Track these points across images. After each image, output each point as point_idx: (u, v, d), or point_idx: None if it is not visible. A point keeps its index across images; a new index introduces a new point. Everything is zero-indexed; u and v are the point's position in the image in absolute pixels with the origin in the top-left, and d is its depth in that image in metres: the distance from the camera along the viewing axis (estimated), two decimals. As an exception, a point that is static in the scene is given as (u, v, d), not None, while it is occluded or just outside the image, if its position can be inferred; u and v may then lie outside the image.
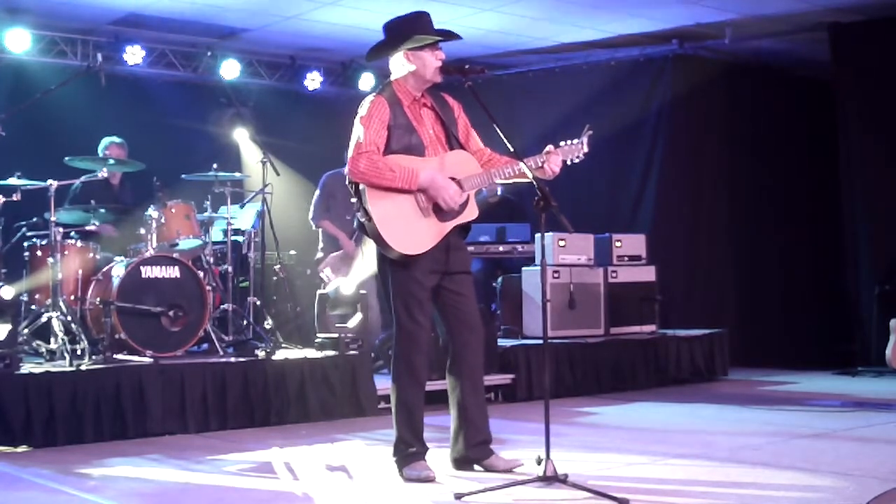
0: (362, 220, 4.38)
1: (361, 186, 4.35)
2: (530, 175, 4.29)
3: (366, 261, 6.13)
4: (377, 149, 4.34)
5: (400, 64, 4.49)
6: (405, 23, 4.49)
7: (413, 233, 4.34)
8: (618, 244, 8.59)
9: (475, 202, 4.55)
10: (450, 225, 4.42)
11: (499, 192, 8.84)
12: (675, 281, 9.36)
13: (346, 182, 4.48)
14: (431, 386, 4.84)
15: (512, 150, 4.33)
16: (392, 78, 4.55)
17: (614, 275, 8.43)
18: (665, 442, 5.43)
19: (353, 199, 4.42)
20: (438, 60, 4.44)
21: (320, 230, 8.08)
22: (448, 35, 4.48)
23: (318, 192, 8.08)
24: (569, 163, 4.52)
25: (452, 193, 4.37)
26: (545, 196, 4.11)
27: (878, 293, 8.95)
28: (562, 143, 4.52)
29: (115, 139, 7.76)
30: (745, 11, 8.84)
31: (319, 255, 8.06)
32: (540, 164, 4.42)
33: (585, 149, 4.53)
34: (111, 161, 7.07)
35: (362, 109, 4.42)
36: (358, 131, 4.38)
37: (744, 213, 10.25)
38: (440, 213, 4.40)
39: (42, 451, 5.32)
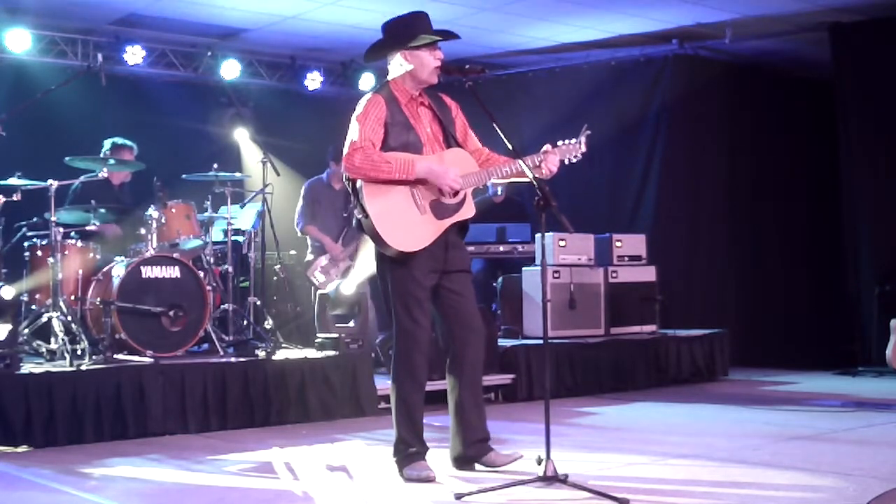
0: (359, 216, 4.39)
1: (359, 184, 4.35)
2: (529, 174, 4.28)
3: (365, 261, 6.14)
4: (372, 144, 4.33)
5: (398, 64, 4.49)
6: (403, 22, 4.49)
7: (410, 230, 4.34)
8: (618, 244, 8.59)
9: (473, 201, 4.55)
10: (447, 222, 4.42)
11: (499, 192, 8.85)
12: (675, 281, 9.35)
13: (344, 179, 4.49)
14: (431, 386, 4.84)
15: (512, 149, 4.33)
16: (389, 77, 4.55)
17: (614, 275, 8.42)
18: (665, 442, 5.42)
19: (352, 198, 4.43)
20: (437, 60, 4.44)
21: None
22: (446, 35, 4.48)
23: (301, 200, 8.20)
24: (566, 162, 4.52)
25: (453, 177, 4.36)
26: (545, 196, 4.11)
27: (878, 293, 8.95)
28: (559, 143, 4.52)
29: (127, 142, 7.68)
30: (745, 11, 8.83)
31: (309, 258, 8.16)
32: (537, 164, 4.41)
33: (583, 148, 4.53)
34: (111, 161, 7.06)
35: (359, 108, 4.42)
36: (353, 129, 4.38)
37: (744, 214, 10.24)
38: (437, 210, 4.40)
39: (42, 451, 5.32)
